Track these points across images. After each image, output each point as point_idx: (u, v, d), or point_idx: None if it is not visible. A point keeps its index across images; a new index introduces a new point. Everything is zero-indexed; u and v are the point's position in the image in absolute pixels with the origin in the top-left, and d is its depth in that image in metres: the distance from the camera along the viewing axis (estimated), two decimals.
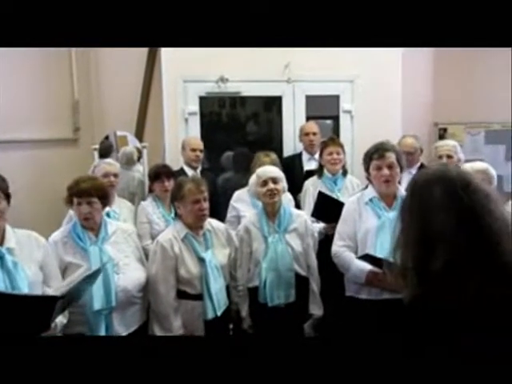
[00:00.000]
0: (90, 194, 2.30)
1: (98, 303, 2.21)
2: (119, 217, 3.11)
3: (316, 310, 2.75)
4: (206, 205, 2.47)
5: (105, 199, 2.37)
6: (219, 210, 3.50)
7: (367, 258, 2.37)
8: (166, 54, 4.04)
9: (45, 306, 1.70)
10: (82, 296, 2.03)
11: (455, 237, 1.11)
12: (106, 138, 4.20)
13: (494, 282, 1.09)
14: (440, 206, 1.14)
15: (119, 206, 3.23)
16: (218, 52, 3.83)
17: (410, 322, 1.13)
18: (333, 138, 3.61)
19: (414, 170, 3.59)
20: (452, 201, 1.13)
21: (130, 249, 2.43)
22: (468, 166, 2.80)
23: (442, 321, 1.07)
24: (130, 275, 2.34)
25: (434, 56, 5.00)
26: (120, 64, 4.35)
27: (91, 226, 2.34)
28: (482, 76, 4.75)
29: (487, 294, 1.07)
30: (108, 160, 3.55)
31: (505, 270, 1.10)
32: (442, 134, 5.11)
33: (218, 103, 4.42)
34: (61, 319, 1.97)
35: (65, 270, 2.23)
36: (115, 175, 3.21)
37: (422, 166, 3.71)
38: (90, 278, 1.96)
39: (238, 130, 4.59)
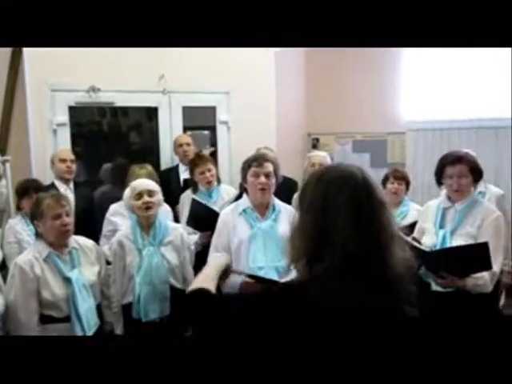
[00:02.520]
0: None
1: None
2: None
3: None
4: (68, 220, 2.34)
5: None
6: (96, 225, 3.37)
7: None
8: (30, 59, 3.77)
9: None
10: None
11: (346, 243, 1.11)
12: None
13: (374, 292, 1.11)
14: (342, 209, 1.13)
15: None
16: (88, 60, 3.69)
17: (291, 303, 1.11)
18: (199, 154, 3.64)
19: None
20: (354, 206, 1.14)
21: None
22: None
23: (317, 312, 1.08)
24: None
25: (307, 70, 5.32)
26: None
27: None
28: (348, 91, 5.15)
29: (366, 303, 1.09)
30: None
31: (388, 282, 1.13)
32: (315, 144, 5.43)
33: (97, 113, 4.24)
34: None
35: None
36: None
37: None
38: None
39: (117, 142, 4.45)
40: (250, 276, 2.39)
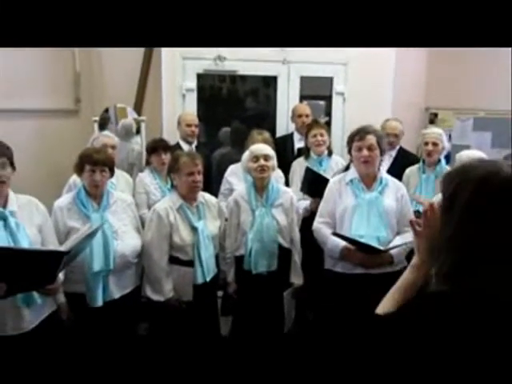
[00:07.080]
0: (104, 164, 2.47)
1: (97, 265, 2.38)
2: (116, 188, 3.24)
3: (296, 279, 2.94)
4: (199, 177, 2.63)
5: (112, 170, 2.55)
6: (213, 184, 3.68)
7: (337, 235, 2.56)
8: None
9: (53, 259, 1.88)
10: (81, 253, 2.20)
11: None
12: (106, 110, 4.33)
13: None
14: (486, 214, 0.95)
15: (117, 177, 3.28)
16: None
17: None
18: (316, 120, 3.76)
19: (393, 153, 3.75)
20: (499, 211, 0.95)
21: (128, 218, 2.60)
22: (464, 155, 2.83)
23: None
24: (127, 242, 2.51)
25: None
26: None
27: (97, 193, 2.49)
28: (472, 63, 4.86)
29: None
30: (106, 132, 3.68)
31: None
32: (433, 119, 5.22)
33: (217, 79, 4.55)
34: (60, 275, 2.12)
35: (68, 233, 2.40)
36: (113, 147, 3.30)
37: (401, 149, 3.87)
38: (90, 237, 2.14)
39: (235, 107, 4.71)
40: (341, 236, 2.54)
